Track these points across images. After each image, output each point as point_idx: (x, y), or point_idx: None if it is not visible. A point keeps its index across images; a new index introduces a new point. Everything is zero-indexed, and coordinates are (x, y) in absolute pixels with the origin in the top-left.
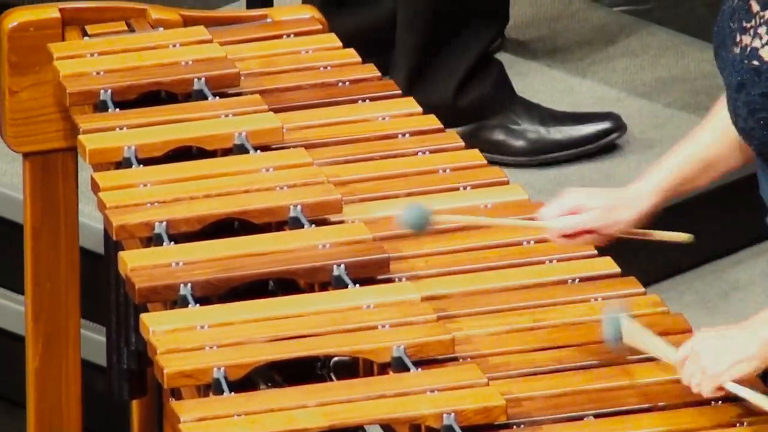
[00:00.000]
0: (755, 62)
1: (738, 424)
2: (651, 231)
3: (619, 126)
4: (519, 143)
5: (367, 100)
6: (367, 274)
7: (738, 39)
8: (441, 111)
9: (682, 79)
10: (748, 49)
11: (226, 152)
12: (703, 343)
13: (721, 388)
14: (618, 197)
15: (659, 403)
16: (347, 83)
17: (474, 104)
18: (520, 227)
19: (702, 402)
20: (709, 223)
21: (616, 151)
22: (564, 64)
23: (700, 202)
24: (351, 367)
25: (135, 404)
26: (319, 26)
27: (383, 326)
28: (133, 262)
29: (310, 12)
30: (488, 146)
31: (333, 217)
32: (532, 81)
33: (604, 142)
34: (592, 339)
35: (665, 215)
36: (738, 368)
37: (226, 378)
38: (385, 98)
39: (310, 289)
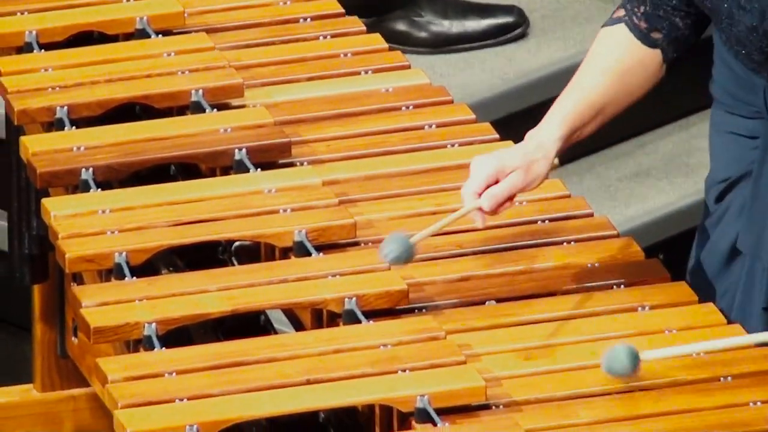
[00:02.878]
0: None
1: (640, 308)
2: None
3: (523, 20)
4: (422, 35)
5: None
6: (269, 158)
7: None
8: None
9: None
10: None
11: (128, 37)
12: None
13: None
14: (529, 152)
15: (560, 289)
16: None
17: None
18: (459, 218)
19: (601, 288)
20: None
21: None
22: None
23: None
24: (253, 252)
25: (36, 289)
26: None
27: (285, 210)
28: (35, 146)
29: None
30: (391, 37)
31: (234, 102)
32: None
33: (506, 37)
34: (494, 223)
35: None
36: None
37: (127, 263)
38: None
39: (212, 173)
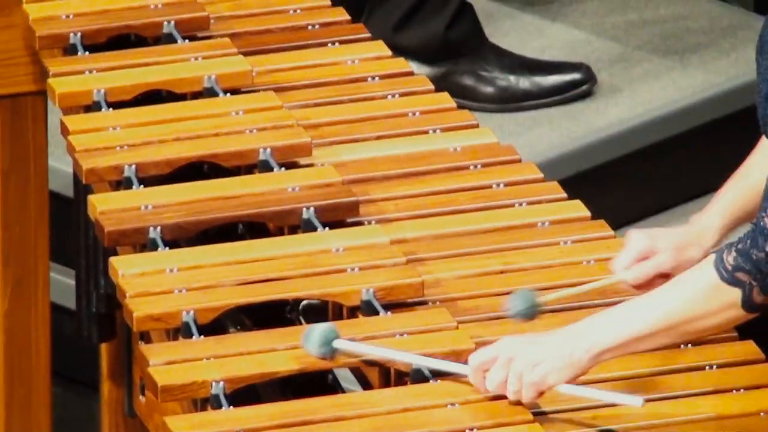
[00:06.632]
0: None
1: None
2: None
3: (590, 77)
4: (488, 90)
5: (337, 44)
6: (337, 217)
7: None
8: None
9: (652, 21)
10: None
11: (196, 95)
12: (514, 348)
13: (541, 393)
14: (684, 235)
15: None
16: (317, 26)
17: (452, 44)
18: (600, 288)
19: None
20: (683, 164)
21: None
22: (534, 6)
23: (679, 141)
24: (320, 311)
25: (104, 347)
26: None
27: (352, 269)
28: (103, 205)
29: None
30: (457, 91)
31: (303, 160)
32: (502, 24)
33: (573, 93)
34: (561, 282)
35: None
36: (560, 374)
37: (195, 321)
38: (354, 41)
39: (280, 232)
